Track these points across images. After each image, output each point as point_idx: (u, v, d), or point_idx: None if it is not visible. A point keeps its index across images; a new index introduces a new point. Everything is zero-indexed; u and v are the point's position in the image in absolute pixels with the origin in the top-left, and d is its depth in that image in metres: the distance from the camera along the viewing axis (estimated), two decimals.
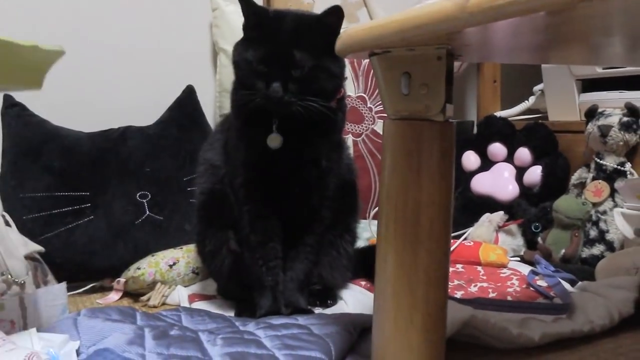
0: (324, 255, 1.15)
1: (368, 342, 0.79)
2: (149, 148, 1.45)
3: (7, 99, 1.35)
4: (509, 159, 1.71)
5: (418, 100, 0.64)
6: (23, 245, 1.04)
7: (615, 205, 1.38)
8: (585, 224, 1.40)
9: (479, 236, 1.53)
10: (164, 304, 1.20)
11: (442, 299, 0.67)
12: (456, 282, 1.29)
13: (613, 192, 1.40)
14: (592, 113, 1.49)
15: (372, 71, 1.66)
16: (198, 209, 1.16)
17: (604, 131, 1.43)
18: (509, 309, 1.04)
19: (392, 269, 0.66)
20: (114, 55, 1.55)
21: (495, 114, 1.86)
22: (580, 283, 1.21)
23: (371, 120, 1.72)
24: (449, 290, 0.97)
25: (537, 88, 1.86)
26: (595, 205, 1.41)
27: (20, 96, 1.36)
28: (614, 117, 1.44)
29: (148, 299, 1.19)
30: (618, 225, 1.32)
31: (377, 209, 1.45)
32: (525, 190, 1.63)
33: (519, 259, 1.48)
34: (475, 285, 1.26)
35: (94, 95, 1.52)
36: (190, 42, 1.68)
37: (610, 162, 1.44)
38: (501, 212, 1.56)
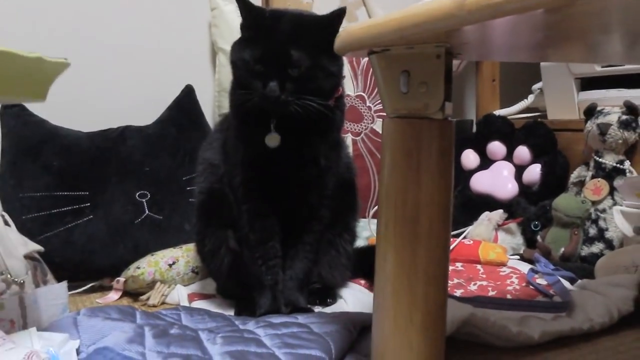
0: (323, 254, 1.15)
1: (368, 340, 0.79)
2: (148, 148, 1.45)
3: None
4: (508, 157, 1.71)
5: (417, 99, 0.64)
6: (22, 245, 1.04)
7: (615, 204, 1.38)
8: (585, 222, 1.40)
9: (478, 235, 1.53)
10: (163, 303, 1.20)
11: (442, 298, 0.67)
12: (456, 280, 1.29)
13: (612, 190, 1.40)
14: (591, 111, 1.49)
15: (371, 70, 1.66)
16: (197, 208, 1.16)
17: (603, 129, 1.43)
18: (509, 307, 1.04)
19: (392, 267, 0.66)
20: (113, 55, 1.55)
21: (494, 112, 1.86)
22: (579, 281, 1.22)
23: (370, 119, 1.72)
24: (449, 289, 0.97)
25: (536, 87, 1.86)
26: (594, 203, 1.41)
27: None
28: (613, 116, 1.44)
29: (148, 298, 1.19)
30: (617, 223, 1.32)
31: (376, 207, 1.45)
32: (524, 189, 1.64)
33: (518, 257, 1.48)
34: (474, 284, 1.26)
35: (93, 94, 1.52)
36: (189, 42, 1.68)
37: (609, 160, 1.44)
38: (500, 211, 1.56)
